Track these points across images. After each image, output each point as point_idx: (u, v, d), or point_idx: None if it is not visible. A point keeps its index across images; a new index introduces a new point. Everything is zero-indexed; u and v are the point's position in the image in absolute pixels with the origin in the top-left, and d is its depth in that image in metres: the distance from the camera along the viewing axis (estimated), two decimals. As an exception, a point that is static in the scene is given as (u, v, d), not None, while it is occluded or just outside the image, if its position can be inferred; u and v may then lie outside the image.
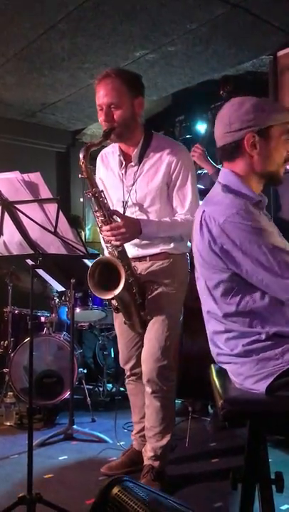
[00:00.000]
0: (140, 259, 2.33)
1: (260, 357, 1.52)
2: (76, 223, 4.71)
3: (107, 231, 2.12)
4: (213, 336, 1.67)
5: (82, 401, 3.56)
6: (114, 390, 3.93)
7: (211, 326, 1.66)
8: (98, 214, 2.16)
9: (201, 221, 1.54)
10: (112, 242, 2.14)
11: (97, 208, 2.16)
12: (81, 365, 3.78)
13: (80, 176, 2.15)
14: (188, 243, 2.41)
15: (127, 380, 2.58)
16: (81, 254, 1.90)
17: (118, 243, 2.14)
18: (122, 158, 2.34)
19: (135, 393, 2.54)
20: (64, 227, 1.80)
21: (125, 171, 2.33)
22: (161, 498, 1.43)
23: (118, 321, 2.47)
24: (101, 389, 3.96)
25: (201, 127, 4.30)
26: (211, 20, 3.09)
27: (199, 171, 3.57)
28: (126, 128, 2.21)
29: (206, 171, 3.55)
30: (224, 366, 1.68)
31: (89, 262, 3.08)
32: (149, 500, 1.34)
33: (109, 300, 2.36)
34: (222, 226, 1.47)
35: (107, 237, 2.13)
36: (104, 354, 4.01)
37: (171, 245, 2.31)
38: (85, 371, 3.82)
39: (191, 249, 2.38)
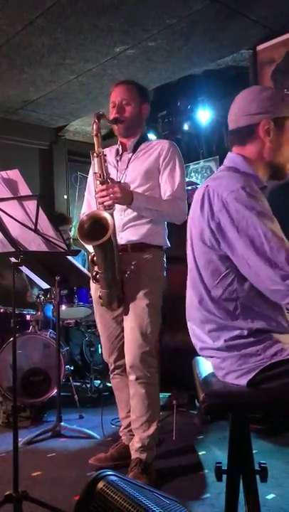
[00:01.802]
0: (121, 250, 2.35)
1: (241, 353, 1.51)
2: (63, 220, 4.68)
3: (102, 190, 2.23)
4: (196, 330, 1.65)
5: (70, 398, 3.56)
6: (101, 386, 3.93)
7: (194, 317, 1.64)
8: (98, 175, 2.27)
9: (203, 196, 1.50)
10: (105, 202, 2.22)
11: (97, 169, 2.28)
12: (68, 362, 3.77)
13: (91, 134, 2.30)
14: (167, 241, 2.48)
15: (111, 375, 2.60)
16: (62, 251, 1.89)
17: (110, 202, 2.22)
18: (119, 148, 2.52)
19: (120, 387, 2.56)
20: (44, 224, 1.79)
21: (120, 158, 2.50)
22: (146, 491, 1.44)
23: (99, 314, 2.51)
24: (88, 385, 3.97)
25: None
26: (190, 15, 3.10)
27: None
28: (133, 124, 2.44)
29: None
30: (207, 360, 1.69)
31: (73, 259, 3.10)
32: (133, 493, 1.35)
33: (90, 267, 2.36)
34: (224, 201, 1.44)
35: (101, 197, 2.23)
36: (91, 351, 4.01)
37: (150, 235, 2.38)
38: (72, 368, 3.82)
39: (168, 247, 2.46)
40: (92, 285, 2.49)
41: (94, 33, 3.31)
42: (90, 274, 2.45)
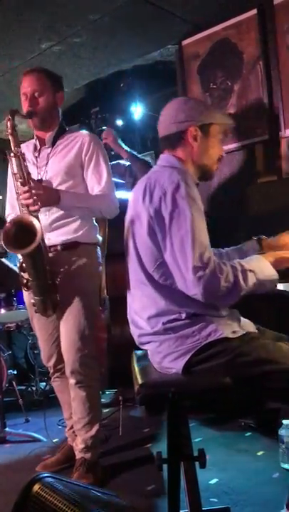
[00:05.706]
0: (51, 248, 2.31)
1: (178, 334, 1.59)
2: (2, 224, 4.55)
3: (25, 192, 2.10)
4: (136, 315, 1.71)
5: (15, 402, 3.50)
6: (47, 387, 3.88)
7: (135, 304, 1.70)
8: (18, 176, 2.15)
9: (145, 187, 1.61)
10: (30, 206, 2.11)
11: (16, 170, 2.15)
12: (11, 366, 3.70)
13: (5, 134, 2.15)
14: (100, 236, 2.45)
15: (52, 378, 2.57)
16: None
17: (36, 207, 2.11)
18: (37, 143, 2.43)
19: (62, 390, 2.53)
20: None
21: (39, 154, 2.41)
22: (83, 489, 1.43)
23: (36, 318, 2.44)
24: (34, 388, 3.91)
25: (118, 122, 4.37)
26: (113, 11, 3.08)
27: (111, 163, 3.56)
28: (48, 114, 2.35)
29: (117, 162, 3.58)
30: (145, 347, 1.72)
31: (8, 262, 3.04)
32: (69, 493, 1.34)
33: (20, 275, 2.28)
34: (165, 189, 1.56)
35: (25, 199, 2.11)
36: (36, 353, 3.94)
37: (81, 232, 2.34)
38: (16, 372, 3.74)
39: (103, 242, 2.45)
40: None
41: (18, 29, 3.22)
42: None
